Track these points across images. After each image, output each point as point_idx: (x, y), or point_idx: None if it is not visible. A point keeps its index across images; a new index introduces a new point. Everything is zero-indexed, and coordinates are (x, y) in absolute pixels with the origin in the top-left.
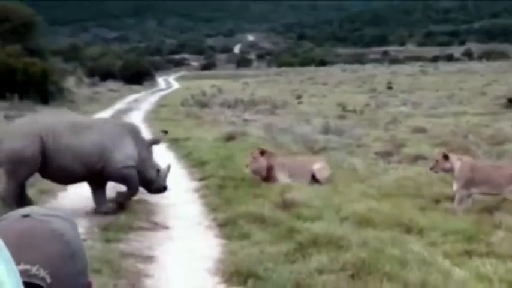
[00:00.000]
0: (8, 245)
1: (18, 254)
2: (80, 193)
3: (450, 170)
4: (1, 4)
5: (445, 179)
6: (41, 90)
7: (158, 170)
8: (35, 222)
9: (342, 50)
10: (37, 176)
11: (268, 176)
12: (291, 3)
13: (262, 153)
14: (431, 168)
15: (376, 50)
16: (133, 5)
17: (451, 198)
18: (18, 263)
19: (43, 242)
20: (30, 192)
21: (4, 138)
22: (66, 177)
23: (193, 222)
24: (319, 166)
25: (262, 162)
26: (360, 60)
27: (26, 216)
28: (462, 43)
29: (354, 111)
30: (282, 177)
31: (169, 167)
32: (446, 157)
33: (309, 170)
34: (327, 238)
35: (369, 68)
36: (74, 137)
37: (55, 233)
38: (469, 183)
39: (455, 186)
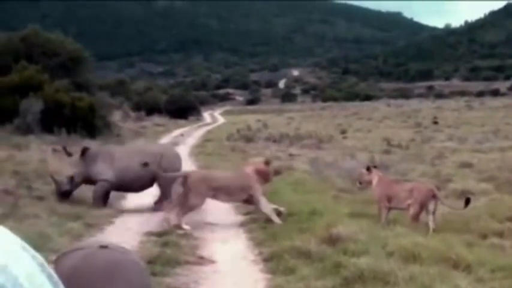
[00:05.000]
0: (96, 275)
1: (110, 285)
2: (126, 227)
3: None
4: (49, 39)
5: (493, 214)
6: (88, 124)
7: None
8: (118, 254)
9: (387, 85)
10: (85, 211)
11: None
12: (336, 37)
13: None
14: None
15: (421, 85)
16: (179, 40)
17: (499, 234)
18: None
19: (130, 274)
20: (76, 225)
21: None
22: None
23: (239, 257)
24: None
25: None
26: (404, 95)
27: (104, 247)
28: (508, 78)
29: (399, 146)
30: None
31: None
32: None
33: None
34: (373, 273)
35: (413, 103)
36: None
37: (138, 265)
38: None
39: None
